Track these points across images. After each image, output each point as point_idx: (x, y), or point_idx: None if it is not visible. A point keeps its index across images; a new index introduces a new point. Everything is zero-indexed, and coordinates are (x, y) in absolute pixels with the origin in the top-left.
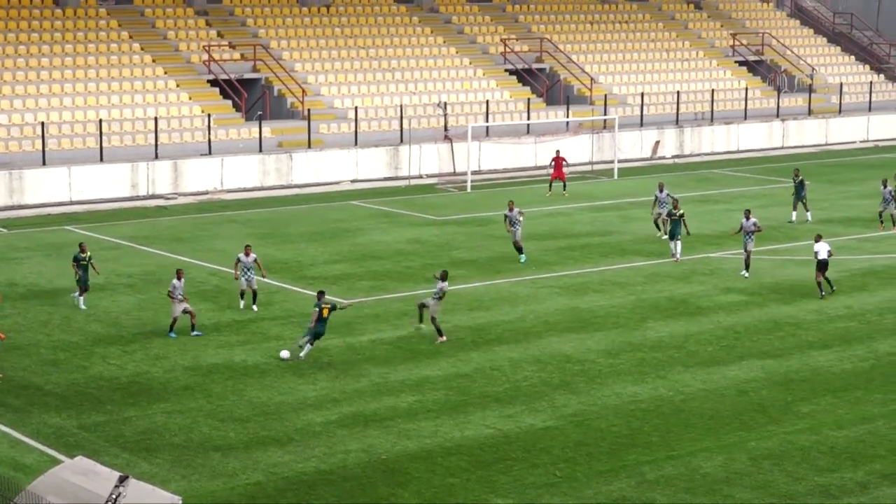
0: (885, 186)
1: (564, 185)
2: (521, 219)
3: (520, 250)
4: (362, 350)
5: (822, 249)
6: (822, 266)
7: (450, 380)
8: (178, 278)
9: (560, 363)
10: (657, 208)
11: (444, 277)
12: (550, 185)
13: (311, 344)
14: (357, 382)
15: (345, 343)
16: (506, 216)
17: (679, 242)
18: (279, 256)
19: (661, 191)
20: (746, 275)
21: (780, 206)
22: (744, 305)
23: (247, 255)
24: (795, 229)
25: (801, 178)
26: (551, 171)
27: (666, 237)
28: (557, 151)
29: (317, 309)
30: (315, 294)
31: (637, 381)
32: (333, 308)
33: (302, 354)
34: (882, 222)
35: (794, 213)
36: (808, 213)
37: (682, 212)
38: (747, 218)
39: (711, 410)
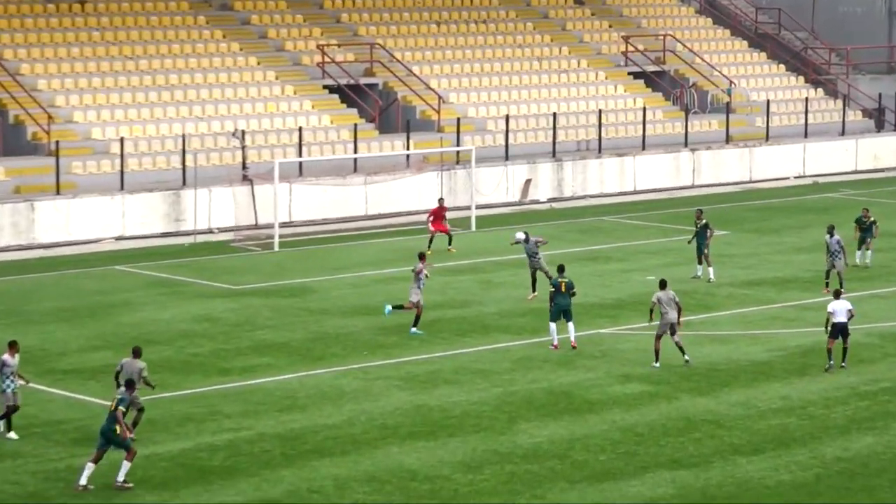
0: (832, 235)
1: (450, 239)
2: (423, 275)
3: (399, 308)
4: (133, 470)
5: (841, 310)
6: (838, 331)
7: None
8: (11, 353)
9: (402, 481)
10: (531, 262)
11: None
12: (450, 240)
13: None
14: None
15: (108, 460)
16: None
17: (571, 325)
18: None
19: (526, 241)
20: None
21: (691, 266)
22: (647, 398)
23: (12, 354)
24: (713, 296)
25: (704, 221)
26: (430, 223)
27: (532, 297)
28: (441, 201)
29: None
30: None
31: None
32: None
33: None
34: (828, 283)
35: (700, 268)
36: (711, 270)
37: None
38: (831, 235)
39: None
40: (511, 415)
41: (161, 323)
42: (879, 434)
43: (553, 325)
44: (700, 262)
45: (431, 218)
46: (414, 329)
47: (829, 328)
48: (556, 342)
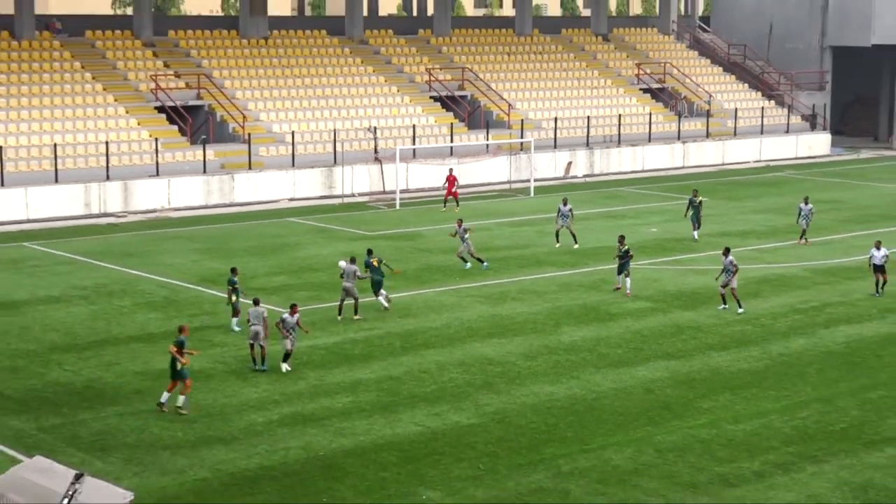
0: (807, 203)
1: (457, 202)
2: (466, 236)
3: (480, 260)
4: (300, 355)
5: (879, 255)
6: (876, 269)
7: (381, 382)
8: (292, 314)
9: (482, 365)
10: (560, 221)
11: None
12: (445, 202)
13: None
14: (295, 385)
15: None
16: (456, 232)
17: (629, 279)
18: (223, 269)
19: (564, 204)
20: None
21: (682, 221)
22: (650, 312)
23: (292, 314)
24: (697, 242)
25: (700, 199)
26: (445, 189)
27: (559, 245)
28: (451, 170)
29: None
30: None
31: (553, 382)
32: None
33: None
34: (803, 236)
35: (696, 233)
36: (696, 233)
37: (627, 248)
38: (725, 255)
39: (621, 408)
40: (557, 321)
41: (320, 257)
42: (809, 338)
43: (618, 276)
44: (695, 229)
45: (447, 185)
46: (485, 264)
47: (872, 267)
48: (618, 285)
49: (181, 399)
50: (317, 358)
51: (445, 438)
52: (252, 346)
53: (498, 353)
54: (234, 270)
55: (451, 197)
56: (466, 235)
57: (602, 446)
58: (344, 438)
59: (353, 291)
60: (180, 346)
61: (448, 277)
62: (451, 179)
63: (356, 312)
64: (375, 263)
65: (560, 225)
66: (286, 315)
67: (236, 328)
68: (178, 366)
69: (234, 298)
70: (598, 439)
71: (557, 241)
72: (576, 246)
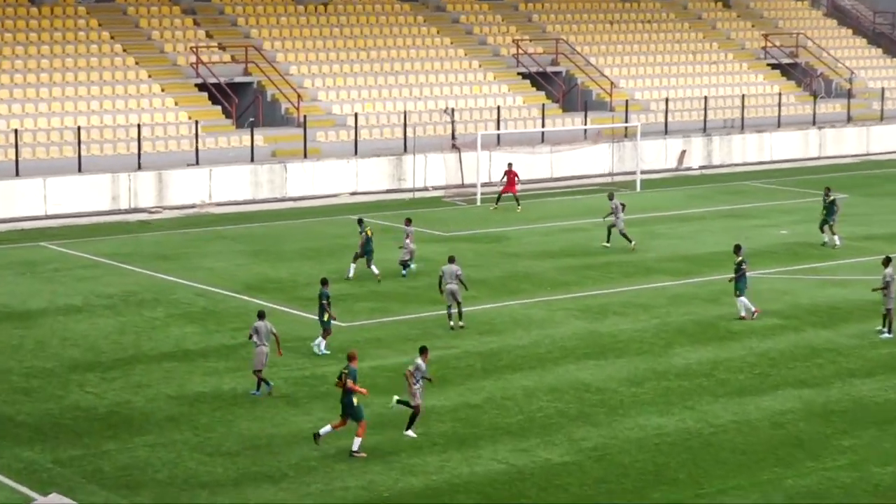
0: None
1: (517, 201)
2: (408, 241)
3: (403, 265)
4: (362, 377)
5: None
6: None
7: (458, 410)
8: (424, 358)
9: (578, 392)
10: (613, 218)
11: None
12: (498, 199)
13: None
14: None
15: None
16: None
17: (742, 300)
18: (272, 275)
19: (610, 199)
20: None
21: (816, 222)
22: (778, 330)
23: (424, 358)
24: (837, 248)
25: (832, 197)
26: (503, 185)
27: (608, 245)
28: (510, 165)
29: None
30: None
31: (662, 413)
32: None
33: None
34: None
35: (826, 236)
36: (837, 238)
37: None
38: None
39: (744, 445)
40: (667, 340)
41: (387, 262)
42: None
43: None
44: (823, 232)
45: (505, 180)
46: (405, 272)
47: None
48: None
49: (356, 442)
50: (381, 382)
51: (533, 479)
52: (259, 371)
53: (596, 377)
54: (325, 282)
55: (507, 193)
56: (408, 240)
57: (721, 490)
58: (413, 477)
59: (457, 294)
60: (352, 377)
61: (537, 287)
62: (511, 175)
63: (460, 318)
64: (369, 233)
65: (613, 223)
66: (419, 360)
67: (324, 351)
68: (355, 401)
69: (325, 316)
70: (717, 482)
71: (608, 243)
72: (605, 245)
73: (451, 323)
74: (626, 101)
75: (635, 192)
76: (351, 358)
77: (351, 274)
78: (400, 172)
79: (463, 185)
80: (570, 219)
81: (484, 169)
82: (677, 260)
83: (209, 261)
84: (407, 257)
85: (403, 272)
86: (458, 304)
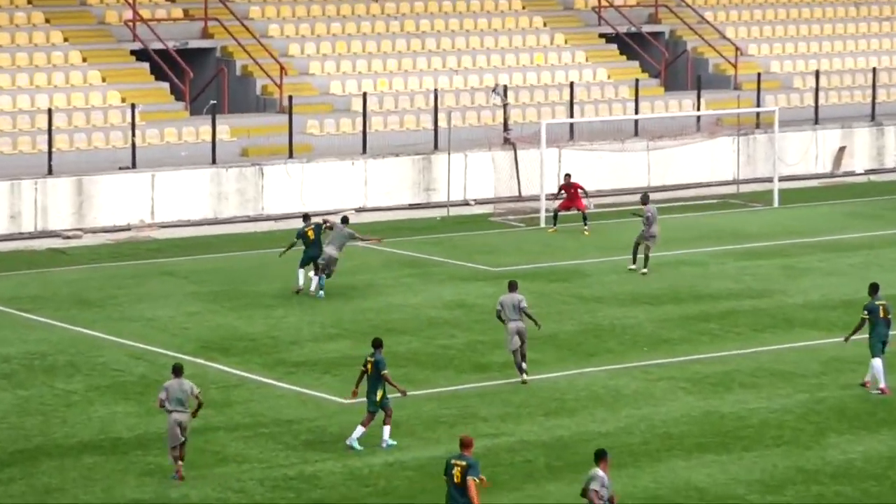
0: None
1: (585, 219)
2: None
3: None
4: (374, 479)
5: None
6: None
7: None
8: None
9: (689, 501)
10: (650, 229)
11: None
12: (556, 218)
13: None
14: None
15: (345, 467)
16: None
17: (877, 363)
18: (242, 329)
19: (644, 202)
20: None
21: None
22: None
23: (604, 469)
24: None
25: None
26: (560, 200)
27: (635, 268)
28: (567, 176)
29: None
30: None
31: None
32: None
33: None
34: None
35: None
36: None
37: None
38: None
39: None
40: (819, 426)
41: (408, 309)
42: None
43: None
44: None
45: (562, 194)
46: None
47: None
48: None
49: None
50: (401, 484)
51: None
52: (175, 448)
53: (715, 480)
54: (378, 344)
55: (570, 209)
56: (331, 247)
57: None
58: None
59: (523, 333)
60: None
61: (628, 347)
62: (571, 189)
63: (521, 369)
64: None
65: (644, 236)
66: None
67: (389, 442)
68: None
69: (380, 394)
70: None
71: (635, 263)
72: (642, 270)
73: (524, 377)
74: (758, 75)
75: (771, 207)
76: (464, 444)
77: (308, 286)
78: (428, 179)
79: (520, 198)
80: (675, 247)
81: (550, 173)
82: (833, 307)
83: (150, 308)
84: (323, 263)
85: (318, 292)
86: (522, 341)
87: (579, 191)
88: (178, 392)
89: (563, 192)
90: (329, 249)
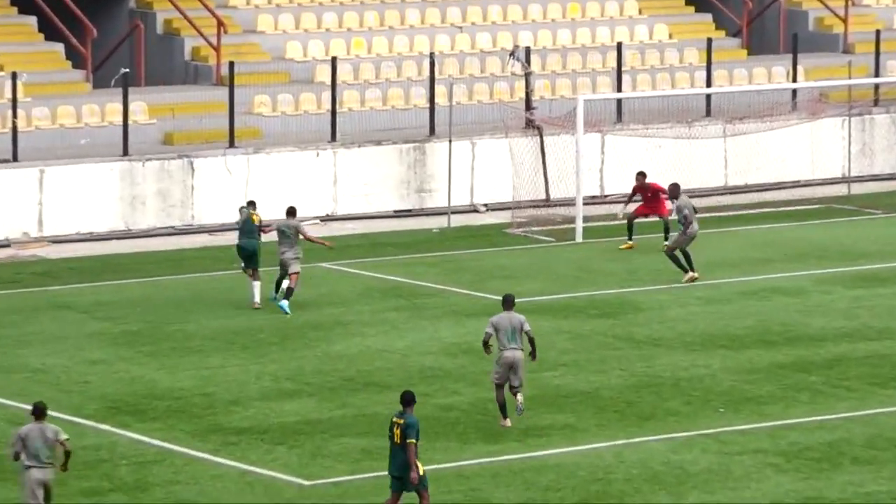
0: None
1: (666, 231)
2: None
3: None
4: None
5: None
6: None
7: None
8: None
9: None
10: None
11: None
12: (631, 229)
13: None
14: None
15: None
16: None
17: None
18: (165, 384)
19: (675, 197)
20: None
21: None
22: None
23: None
24: None
25: None
26: (630, 205)
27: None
28: (642, 176)
29: None
30: None
31: None
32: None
33: None
34: None
35: None
36: None
37: None
38: None
39: None
40: None
41: (393, 356)
42: None
43: None
44: None
45: (635, 198)
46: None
47: None
48: None
49: None
50: None
51: None
52: None
53: None
54: (409, 400)
55: (646, 216)
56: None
57: None
58: None
59: (518, 368)
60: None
61: (698, 408)
62: (649, 191)
63: (514, 405)
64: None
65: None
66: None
67: None
68: (420, 470)
69: (421, 470)
70: None
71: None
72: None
73: (508, 423)
74: (877, 32)
75: (891, 215)
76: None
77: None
78: (421, 177)
79: (547, 203)
80: (763, 270)
81: (591, 168)
82: None
83: (38, 354)
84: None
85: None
86: (517, 382)
87: (661, 193)
88: (38, 440)
89: (637, 194)
90: (286, 252)
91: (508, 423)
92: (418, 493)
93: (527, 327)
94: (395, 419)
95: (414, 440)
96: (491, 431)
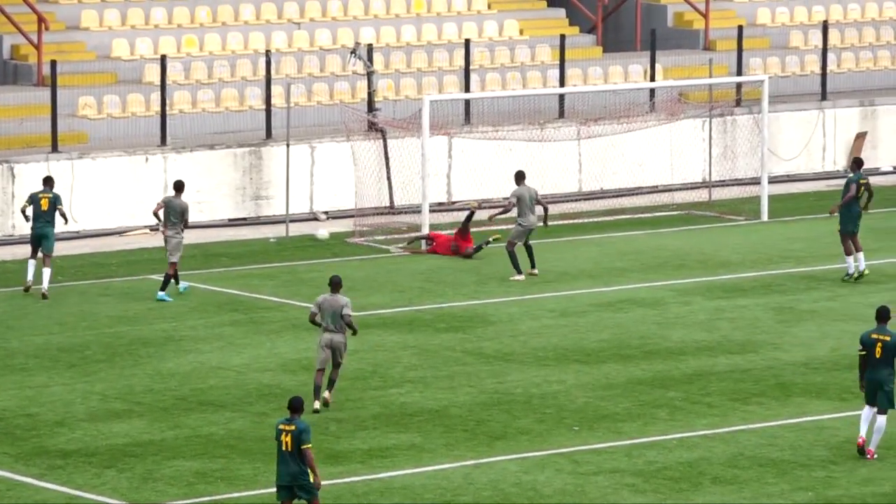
0: None
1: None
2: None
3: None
4: None
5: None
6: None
7: None
8: None
9: None
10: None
11: None
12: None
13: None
14: None
15: None
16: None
17: None
18: None
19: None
20: None
21: None
22: None
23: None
24: None
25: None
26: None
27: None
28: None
29: None
30: None
31: None
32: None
33: None
34: None
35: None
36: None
37: None
38: None
39: None
40: None
41: (228, 373)
42: None
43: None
44: None
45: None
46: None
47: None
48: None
49: None
50: None
51: None
52: None
53: None
54: (297, 407)
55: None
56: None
57: None
58: None
59: (339, 353)
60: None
61: (553, 426)
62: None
63: (330, 387)
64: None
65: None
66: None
67: None
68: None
69: None
70: None
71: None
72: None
73: (317, 405)
74: (740, 29)
75: (758, 220)
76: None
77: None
78: (257, 183)
79: (392, 210)
80: (620, 280)
81: (438, 172)
82: (847, 367)
83: None
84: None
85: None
86: (337, 366)
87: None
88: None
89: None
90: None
91: (318, 406)
92: (308, 502)
93: (347, 311)
94: (282, 426)
95: (310, 444)
96: (332, 452)
